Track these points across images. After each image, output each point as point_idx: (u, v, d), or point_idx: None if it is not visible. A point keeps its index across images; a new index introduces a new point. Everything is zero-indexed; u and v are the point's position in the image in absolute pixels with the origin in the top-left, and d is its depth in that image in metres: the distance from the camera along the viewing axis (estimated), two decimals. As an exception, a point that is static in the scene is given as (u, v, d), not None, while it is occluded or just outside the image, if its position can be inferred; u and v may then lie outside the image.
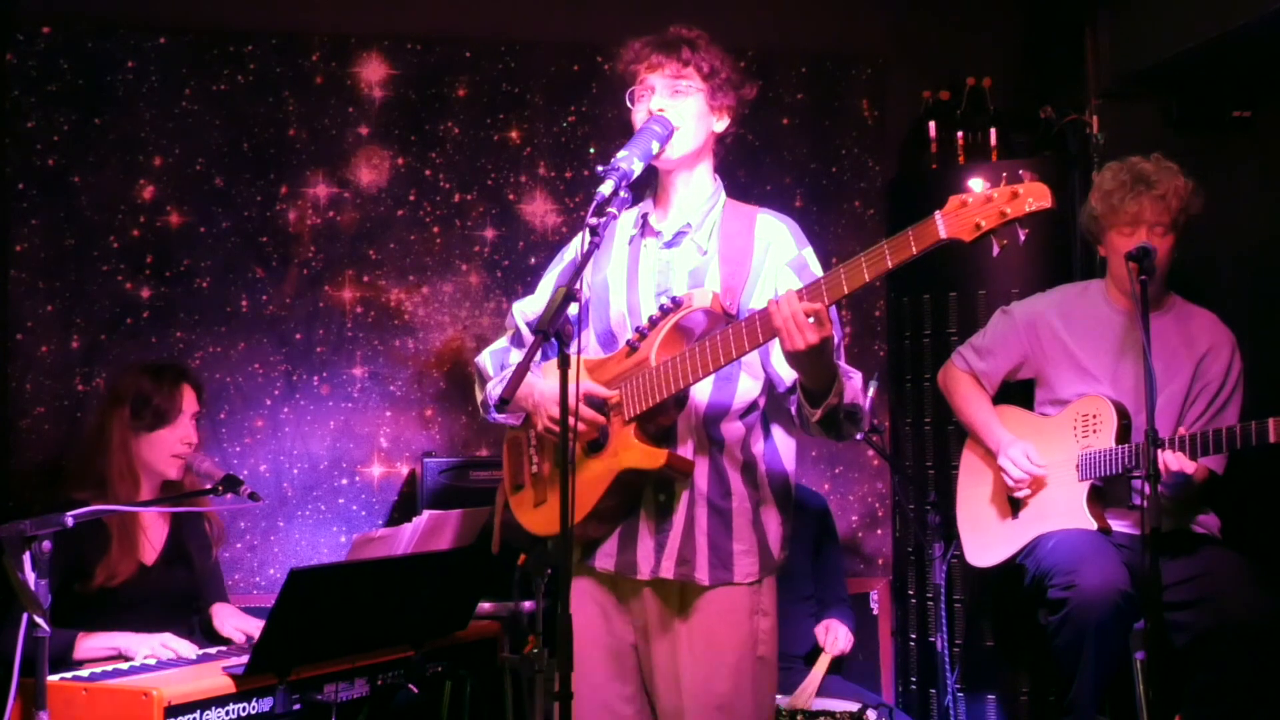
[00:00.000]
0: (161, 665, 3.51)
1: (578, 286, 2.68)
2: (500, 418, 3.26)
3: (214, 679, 3.30)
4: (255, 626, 3.78)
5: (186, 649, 3.62)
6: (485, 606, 4.19)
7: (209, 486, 3.87)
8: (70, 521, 3.14)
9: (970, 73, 5.12)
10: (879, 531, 5.34)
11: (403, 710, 3.77)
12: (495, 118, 5.16)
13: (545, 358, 3.17)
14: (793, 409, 3.02)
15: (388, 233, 5.10)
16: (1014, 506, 4.20)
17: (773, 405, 3.10)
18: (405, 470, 5.07)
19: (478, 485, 4.67)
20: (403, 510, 5.01)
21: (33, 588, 3.04)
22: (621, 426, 2.98)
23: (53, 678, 3.20)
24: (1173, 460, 3.74)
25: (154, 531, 3.95)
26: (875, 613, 5.23)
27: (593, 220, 2.80)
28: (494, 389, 3.27)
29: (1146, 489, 3.56)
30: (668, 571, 3.02)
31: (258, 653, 3.32)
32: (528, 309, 3.33)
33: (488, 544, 3.52)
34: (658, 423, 3.00)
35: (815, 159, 5.34)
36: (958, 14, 5.33)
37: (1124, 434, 3.97)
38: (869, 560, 5.33)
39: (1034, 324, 4.27)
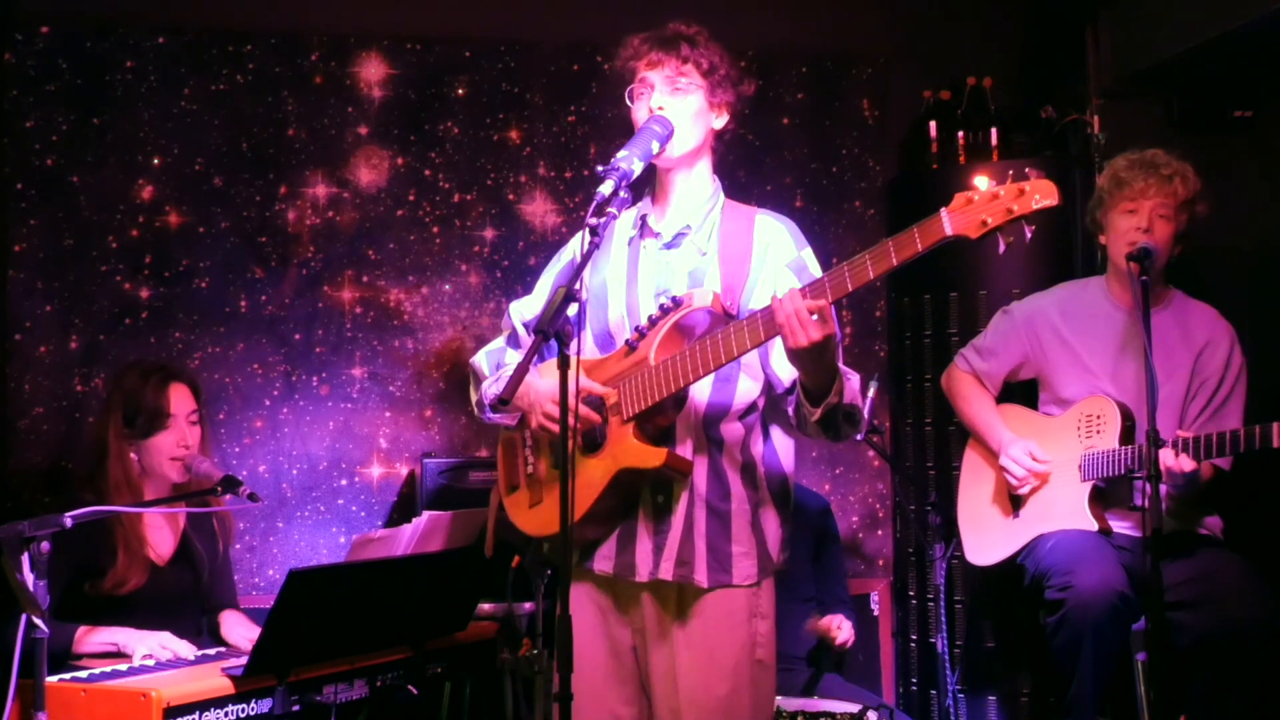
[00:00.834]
0: (160, 666, 3.50)
1: (577, 287, 2.67)
2: (495, 418, 3.25)
3: (213, 680, 3.29)
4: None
5: (185, 649, 3.61)
6: (485, 607, 4.18)
7: (208, 487, 3.86)
8: (68, 522, 3.13)
9: (971, 72, 5.11)
10: (879, 532, 5.33)
11: (402, 711, 3.77)
12: (495, 117, 5.16)
13: (542, 358, 3.16)
14: (790, 409, 3.01)
15: (387, 233, 5.09)
16: (1015, 506, 4.19)
17: (771, 406, 3.09)
18: (404, 471, 5.07)
19: (477, 486, 4.66)
20: (402, 511, 5.00)
21: (31, 588, 3.03)
22: (620, 426, 2.97)
23: (51, 679, 3.19)
24: (1172, 459, 3.73)
25: (162, 533, 3.94)
26: (876, 614, 5.22)
27: (592, 220, 2.79)
28: (490, 388, 3.25)
29: (1148, 490, 3.56)
30: (666, 573, 3.01)
31: (257, 654, 3.31)
32: (525, 309, 3.32)
33: (484, 545, 3.52)
34: (656, 423, 2.99)
35: (816, 159, 5.34)
36: (958, 14, 5.33)
37: (1128, 435, 3.96)
38: (869, 561, 5.32)
39: (1034, 323, 4.26)
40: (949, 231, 2.60)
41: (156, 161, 4.95)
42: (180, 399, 3.94)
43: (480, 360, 3.35)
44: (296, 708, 3.38)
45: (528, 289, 3.38)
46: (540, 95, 5.19)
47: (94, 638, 3.66)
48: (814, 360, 2.78)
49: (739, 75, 3.11)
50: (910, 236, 2.64)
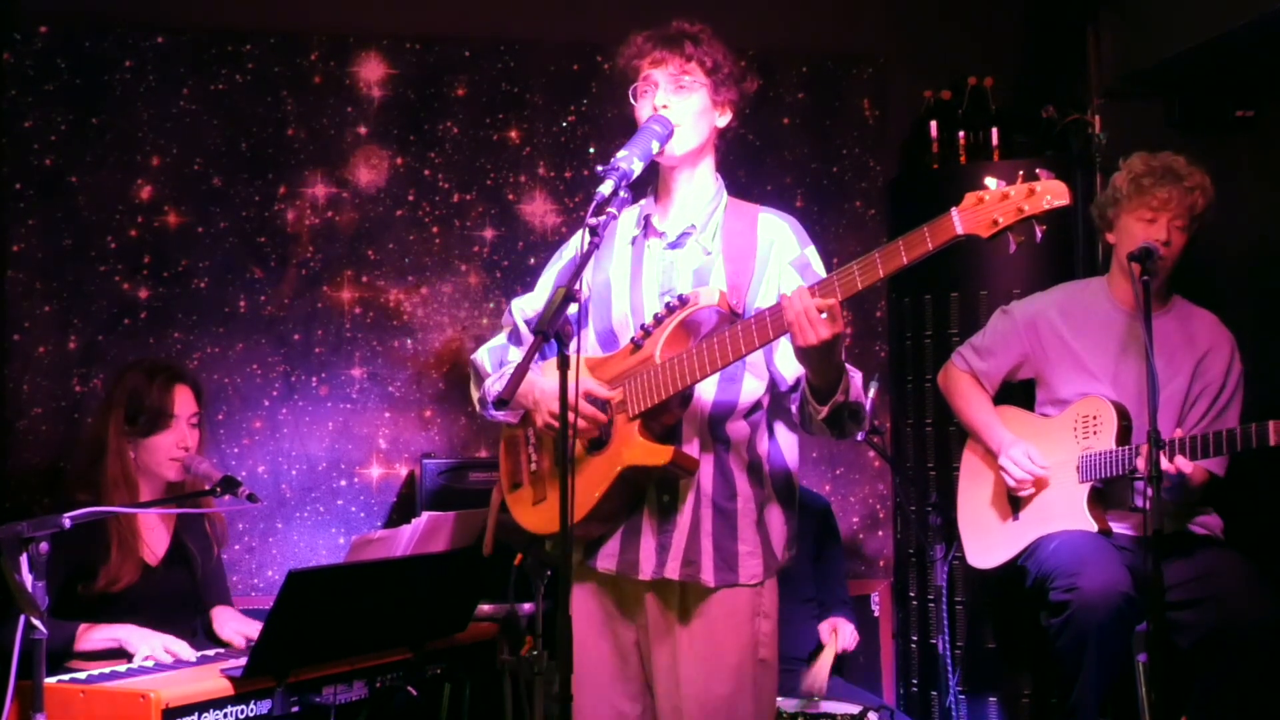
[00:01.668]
0: (160, 667, 3.49)
1: (577, 287, 2.67)
2: (497, 415, 3.24)
3: (212, 681, 3.28)
4: (255, 630, 3.76)
5: (187, 653, 3.60)
6: (484, 608, 4.17)
7: (207, 488, 3.85)
8: (67, 523, 3.12)
9: (972, 72, 5.11)
10: (880, 533, 5.32)
11: (402, 712, 3.76)
12: (495, 117, 5.15)
13: (544, 357, 3.15)
14: (794, 407, 3.01)
15: (386, 233, 5.08)
16: (1015, 508, 4.19)
17: (775, 404, 3.09)
18: (404, 471, 5.06)
19: (477, 486, 4.65)
20: (401, 512, 4.99)
21: (30, 589, 3.02)
22: (625, 424, 2.97)
23: (50, 680, 3.18)
24: (1166, 461, 3.72)
25: (156, 533, 3.93)
26: (876, 615, 5.21)
27: (592, 220, 2.79)
28: (492, 386, 3.25)
29: (1149, 490, 3.56)
30: (673, 572, 3.01)
31: (256, 655, 3.30)
32: (526, 306, 3.32)
33: (483, 545, 3.51)
34: (662, 421, 2.98)
35: (816, 159, 5.33)
36: (959, 13, 5.32)
37: (1124, 435, 3.96)
38: (870, 562, 5.31)
39: (1034, 322, 4.25)
40: (960, 231, 2.60)
41: (155, 161, 4.94)
42: (184, 400, 3.94)
43: (482, 357, 3.35)
44: (296, 709, 3.37)
45: (527, 289, 3.38)
46: (540, 95, 5.18)
47: (96, 634, 3.64)
48: (822, 358, 2.78)
49: (742, 73, 3.11)
50: (921, 235, 2.64)
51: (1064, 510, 4.04)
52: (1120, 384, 4.08)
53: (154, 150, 4.94)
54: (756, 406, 3.06)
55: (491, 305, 5.12)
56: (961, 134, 5.03)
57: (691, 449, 3.00)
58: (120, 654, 3.62)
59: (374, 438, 5.05)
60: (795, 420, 3.05)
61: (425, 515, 3.83)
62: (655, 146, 2.97)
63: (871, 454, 5.23)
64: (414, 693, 3.68)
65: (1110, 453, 3.94)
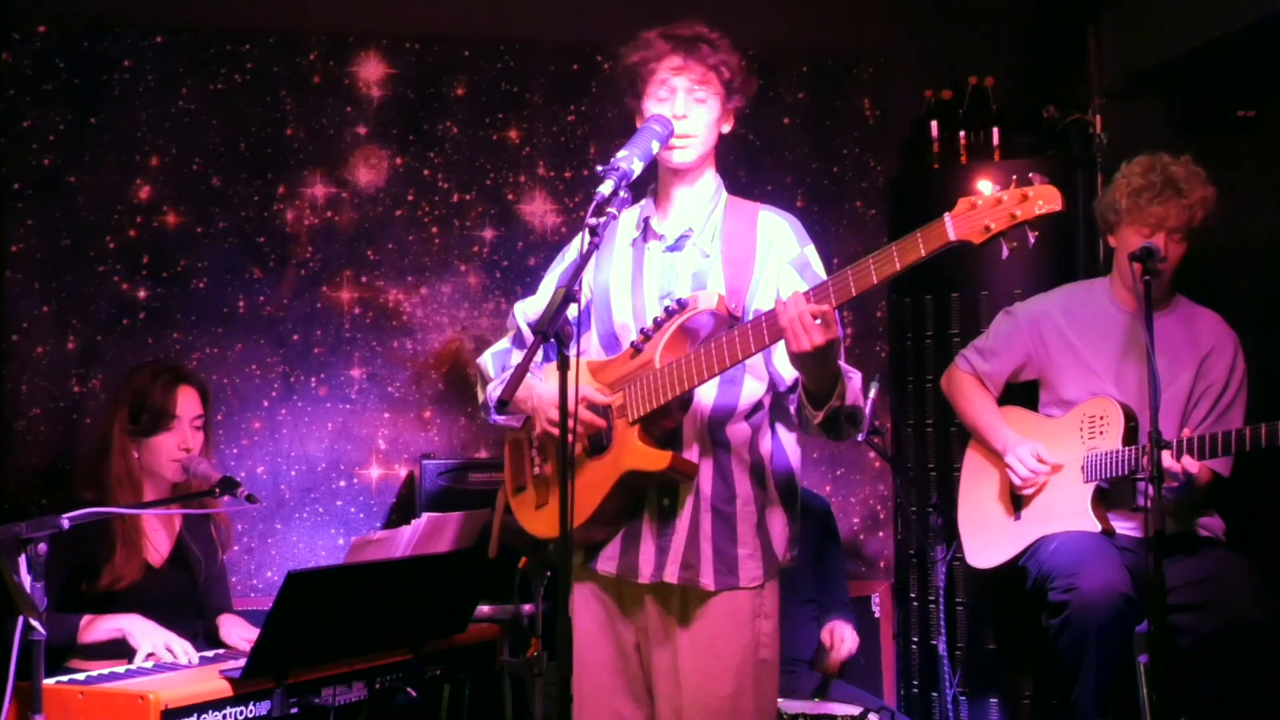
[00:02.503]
0: (159, 668, 3.48)
1: (577, 288, 2.66)
2: (501, 419, 3.24)
3: (211, 682, 3.29)
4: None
5: (185, 654, 3.59)
6: (484, 610, 4.17)
7: (206, 489, 3.85)
8: (66, 524, 3.13)
9: (973, 72, 5.09)
10: (880, 534, 5.31)
11: (401, 713, 3.76)
12: (494, 117, 5.14)
13: (547, 359, 3.15)
14: (792, 408, 3.01)
15: (386, 233, 5.07)
16: (1017, 507, 4.18)
17: (776, 405, 3.09)
18: (404, 472, 5.05)
19: (477, 487, 4.65)
20: (401, 512, 4.98)
21: (28, 590, 3.01)
22: (625, 428, 2.97)
23: (49, 681, 3.18)
24: (1171, 460, 3.71)
25: (160, 534, 3.93)
26: (877, 615, 5.21)
27: (592, 220, 2.78)
28: (494, 390, 3.25)
29: (1150, 490, 3.55)
30: (671, 576, 3.00)
31: (255, 656, 3.30)
32: (529, 309, 3.31)
33: (486, 547, 3.50)
34: (662, 425, 2.98)
35: (816, 159, 5.32)
36: (960, 13, 5.31)
37: (1130, 436, 3.95)
38: (870, 563, 5.30)
39: (1038, 323, 4.25)
40: (952, 237, 2.59)
41: (154, 161, 4.93)
42: (187, 402, 3.94)
43: (486, 361, 3.34)
44: (295, 710, 3.37)
45: (527, 289, 3.37)
46: (540, 95, 5.17)
47: (99, 625, 3.65)
48: (817, 365, 2.78)
49: (747, 80, 3.10)
50: (913, 241, 2.63)
51: (1067, 510, 4.03)
52: (1123, 384, 4.07)
53: (153, 150, 4.93)
54: (757, 408, 3.05)
55: (491, 305, 5.11)
56: (962, 134, 5.02)
57: (691, 453, 3.00)
58: (123, 648, 3.62)
59: (373, 438, 5.04)
60: (794, 421, 3.04)
61: (425, 516, 3.83)
62: (655, 146, 2.96)
63: (872, 454, 5.22)
64: (413, 694, 3.68)
65: (1116, 453, 3.94)
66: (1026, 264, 4.73)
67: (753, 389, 3.03)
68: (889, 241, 2.69)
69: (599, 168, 2.86)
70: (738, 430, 3.03)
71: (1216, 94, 4.89)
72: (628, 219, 3.15)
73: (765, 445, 3.06)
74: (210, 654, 3.71)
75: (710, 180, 3.13)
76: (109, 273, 4.89)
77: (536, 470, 3.19)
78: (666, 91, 3.03)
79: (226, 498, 3.75)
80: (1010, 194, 2.55)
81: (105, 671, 3.43)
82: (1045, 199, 2.54)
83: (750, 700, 3.02)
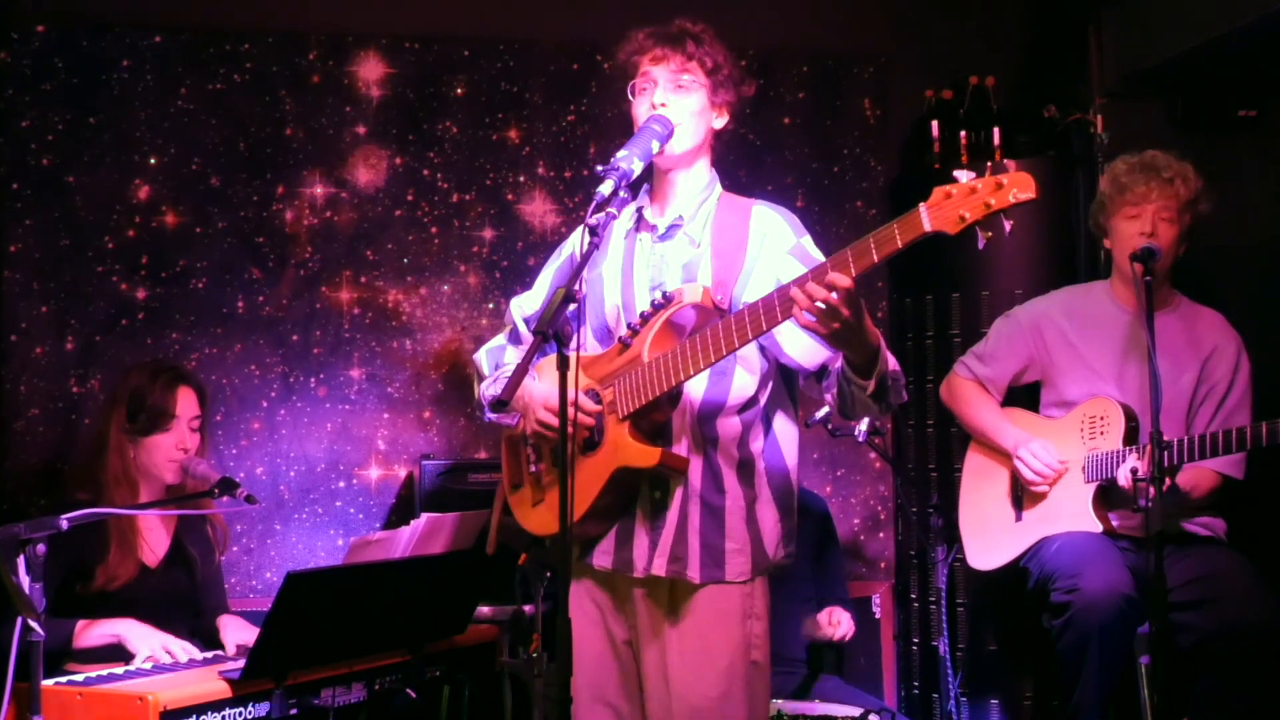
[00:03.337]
0: (158, 669, 3.48)
1: (576, 287, 2.66)
2: (495, 417, 3.24)
3: (210, 683, 3.27)
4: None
5: (184, 655, 3.58)
6: (484, 610, 4.16)
7: (205, 489, 3.84)
8: (65, 524, 3.12)
9: (973, 72, 5.09)
10: (881, 534, 5.30)
11: (400, 715, 3.75)
12: (494, 117, 5.13)
13: (544, 355, 3.14)
14: (829, 395, 2.95)
15: (385, 233, 5.06)
16: (1018, 508, 4.17)
17: (773, 399, 3.07)
18: (403, 473, 5.04)
19: (476, 488, 4.64)
20: (400, 513, 4.97)
21: (27, 591, 3.00)
22: (616, 424, 2.96)
23: (47, 682, 3.17)
24: (1125, 479, 3.75)
25: (156, 534, 3.92)
26: (877, 616, 5.20)
27: (592, 220, 2.78)
28: (489, 389, 3.25)
29: (1151, 491, 3.55)
30: (659, 568, 3.00)
31: (254, 657, 3.29)
32: (525, 305, 3.31)
33: (485, 547, 3.50)
34: (652, 420, 2.97)
35: (817, 158, 5.31)
36: (961, 13, 5.31)
37: (1131, 435, 3.96)
38: (871, 564, 5.29)
39: (1038, 324, 4.25)
40: (928, 227, 2.56)
41: (153, 161, 4.92)
42: (186, 402, 3.93)
43: (481, 358, 3.35)
44: (294, 711, 3.36)
45: (527, 289, 3.36)
46: (539, 94, 5.16)
47: (94, 630, 3.64)
48: (853, 336, 2.71)
49: (741, 76, 3.11)
50: (890, 233, 2.60)
51: (1069, 510, 4.03)
52: (1124, 384, 4.07)
53: (152, 150, 4.92)
54: (751, 403, 3.04)
55: (490, 306, 5.10)
56: (963, 134, 5.01)
57: (681, 447, 2.99)
58: (120, 653, 3.61)
59: (373, 439, 5.04)
60: (832, 406, 2.97)
61: (424, 517, 3.81)
62: (655, 146, 2.96)
63: (873, 455, 5.21)
64: (413, 695, 3.67)
65: (1117, 452, 3.93)
66: (1027, 264, 4.74)
67: (744, 382, 3.02)
68: (862, 237, 2.67)
69: (599, 168, 2.86)
70: (728, 425, 3.01)
71: (1218, 94, 4.89)
72: (625, 214, 3.15)
73: (757, 441, 3.05)
74: (210, 654, 3.70)
75: (703, 173, 3.13)
76: (108, 273, 4.88)
77: (532, 468, 3.19)
78: (648, 83, 3.04)
79: (225, 498, 3.74)
80: (984, 183, 2.52)
81: (104, 672, 3.42)
82: (1020, 187, 2.50)
83: (741, 703, 3.00)
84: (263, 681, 3.31)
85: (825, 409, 4.14)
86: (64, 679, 3.32)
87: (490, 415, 3.22)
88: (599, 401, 2.99)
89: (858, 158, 5.34)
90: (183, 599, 3.93)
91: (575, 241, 3.13)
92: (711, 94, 3.05)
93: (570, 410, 2.60)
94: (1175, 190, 3.98)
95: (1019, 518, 4.17)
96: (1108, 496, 4.01)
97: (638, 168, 2.90)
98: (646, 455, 2.93)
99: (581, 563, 3.09)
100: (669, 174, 3.09)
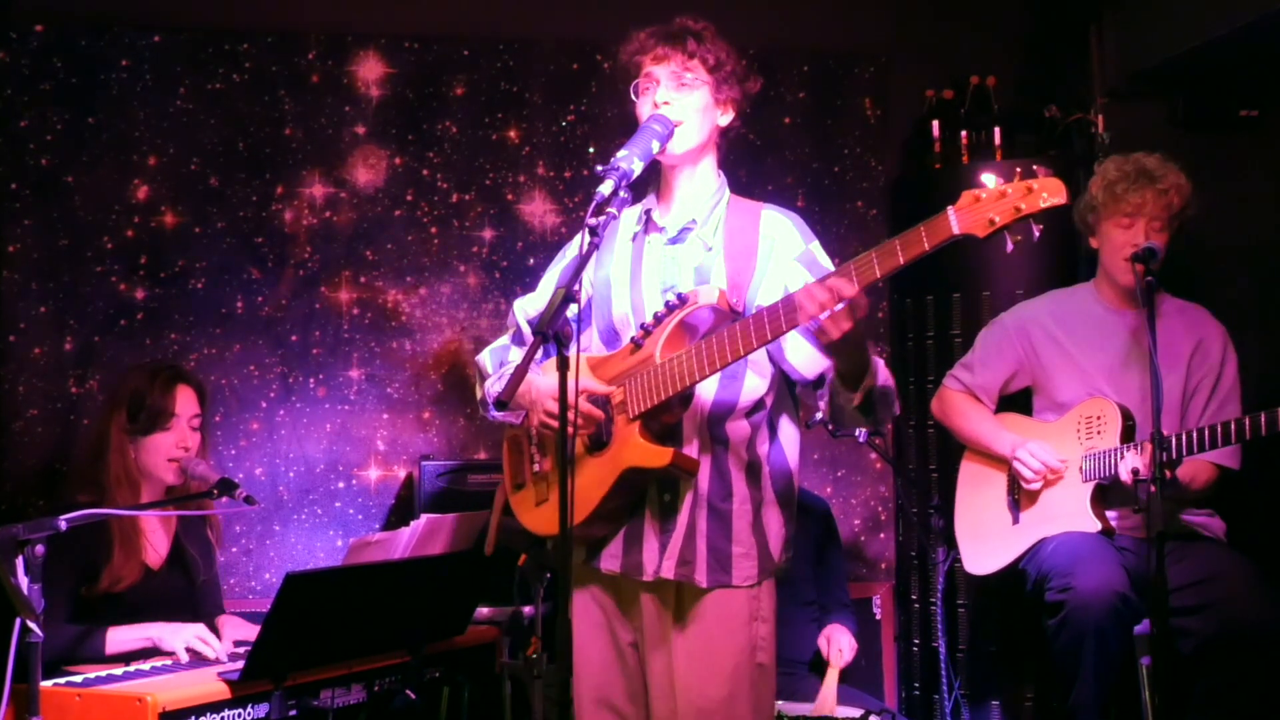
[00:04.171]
0: (156, 670, 3.47)
1: (576, 288, 2.65)
2: (498, 416, 3.23)
3: (209, 685, 3.27)
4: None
5: (219, 645, 3.60)
6: (483, 611, 4.15)
7: (204, 490, 3.83)
8: (63, 525, 3.11)
9: (974, 71, 5.08)
10: (882, 535, 5.30)
11: (400, 716, 3.74)
12: (493, 117, 5.13)
13: (546, 356, 3.13)
14: (823, 403, 2.99)
15: (385, 233, 5.06)
16: (1016, 511, 4.17)
17: (779, 403, 3.07)
18: (403, 473, 5.03)
19: (476, 488, 4.64)
20: (400, 514, 4.97)
21: (25, 592, 3.00)
22: (625, 424, 2.95)
23: (46, 683, 3.17)
24: (1126, 473, 3.76)
25: (157, 536, 3.92)
26: (878, 617, 5.19)
27: (592, 220, 2.77)
28: (492, 387, 3.25)
29: (1150, 489, 3.55)
30: (668, 572, 2.99)
31: (253, 658, 3.28)
32: (529, 307, 3.31)
33: (484, 548, 3.49)
34: (662, 421, 2.96)
35: (817, 158, 5.31)
36: (962, 12, 5.30)
37: (1129, 434, 3.96)
38: (871, 565, 5.29)
39: (1025, 329, 4.26)
40: (956, 230, 2.58)
41: (152, 161, 4.92)
42: (185, 401, 3.93)
43: (484, 358, 3.34)
44: (294, 712, 3.36)
45: (527, 289, 3.36)
46: (539, 94, 5.16)
47: (125, 635, 3.64)
48: (849, 347, 2.78)
49: (745, 72, 3.10)
50: (917, 235, 2.61)
51: (1067, 510, 4.03)
52: (1119, 384, 4.08)
53: (151, 150, 4.91)
54: (759, 406, 3.04)
55: (490, 306, 5.10)
56: (964, 133, 5.01)
57: (690, 449, 2.99)
58: (159, 651, 3.62)
59: (372, 439, 5.03)
60: (823, 415, 3.01)
61: (424, 518, 3.81)
62: (656, 146, 2.95)
63: (873, 456, 5.21)
64: (412, 696, 3.66)
65: (1115, 450, 3.93)
66: (1028, 264, 4.73)
67: (754, 385, 3.02)
68: (886, 240, 2.68)
69: (599, 168, 2.85)
70: (737, 427, 3.01)
71: (1219, 94, 4.89)
72: (629, 216, 3.14)
73: (764, 445, 3.05)
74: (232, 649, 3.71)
75: (711, 173, 3.12)
76: (106, 273, 4.87)
77: (536, 467, 3.18)
78: (650, 82, 3.04)
79: (225, 499, 3.74)
80: (1015, 187, 2.54)
81: (103, 673, 3.41)
82: (1050, 192, 2.52)
83: (746, 705, 3.00)
84: (262, 683, 3.30)
85: None
86: (63, 680, 3.31)
87: (494, 414, 3.21)
88: (608, 404, 2.98)
89: (858, 157, 5.34)
90: (184, 600, 3.93)
91: (579, 244, 3.12)
92: (715, 91, 3.05)
93: (570, 412, 2.59)
94: (1169, 200, 4.00)
95: (1016, 520, 4.16)
96: (1106, 495, 4.01)
97: (638, 168, 2.89)
98: (658, 456, 2.92)
99: (587, 567, 3.08)
100: (675, 173, 3.09)
